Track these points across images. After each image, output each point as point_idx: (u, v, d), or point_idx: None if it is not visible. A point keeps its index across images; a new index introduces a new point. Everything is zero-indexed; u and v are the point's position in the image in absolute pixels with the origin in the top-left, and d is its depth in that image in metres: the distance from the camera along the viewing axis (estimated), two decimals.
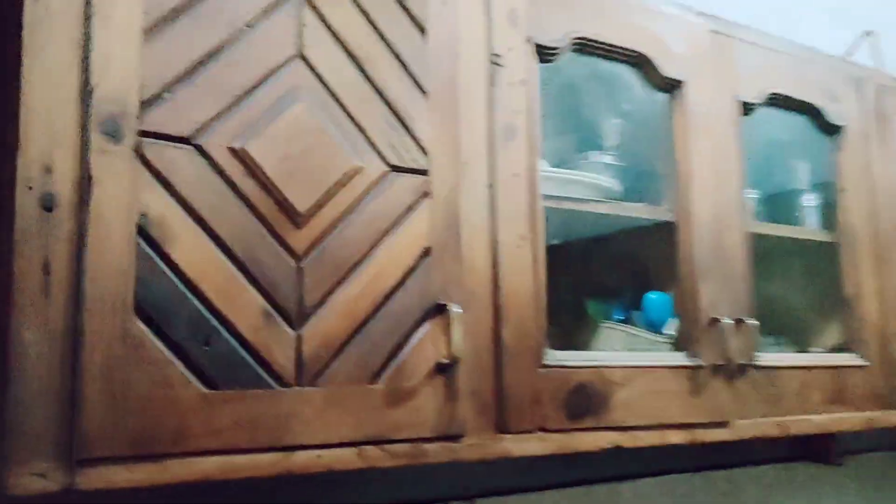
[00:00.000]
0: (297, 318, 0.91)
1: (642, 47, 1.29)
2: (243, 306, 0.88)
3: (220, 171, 0.88)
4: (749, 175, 1.43)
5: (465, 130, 1.08)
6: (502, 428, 1.05)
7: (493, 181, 1.09)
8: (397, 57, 1.03)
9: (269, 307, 0.90)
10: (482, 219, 1.07)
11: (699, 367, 1.27)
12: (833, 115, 1.56)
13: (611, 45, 1.26)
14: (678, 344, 1.30)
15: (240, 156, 0.90)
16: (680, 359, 1.27)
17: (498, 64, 1.12)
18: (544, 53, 1.19)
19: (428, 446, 0.99)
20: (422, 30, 1.05)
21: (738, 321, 1.32)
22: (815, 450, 1.87)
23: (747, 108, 1.43)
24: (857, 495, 1.97)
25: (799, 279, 1.67)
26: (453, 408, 1.00)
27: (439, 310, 1.01)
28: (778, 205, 1.66)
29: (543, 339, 1.11)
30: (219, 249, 0.87)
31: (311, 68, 0.96)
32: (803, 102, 1.53)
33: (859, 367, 1.51)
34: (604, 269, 1.48)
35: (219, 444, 0.84)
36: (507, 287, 1.08)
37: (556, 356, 1.12)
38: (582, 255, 1.46)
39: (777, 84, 1.48)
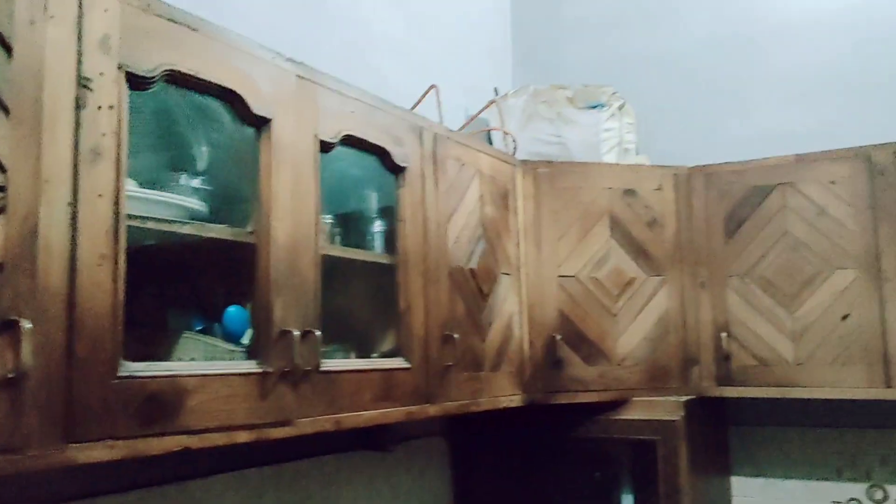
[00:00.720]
0: None
1: (234, 85, 1.42)
2: None
3: None
4: (328, 203, 1.64)
5: (49, 150, 1.10)
6: (70, 438, 1.09)
7: (75, 200, 1.13)
8: None
9: None
10: (62, 237, 1.11)
11: (268, 374, 1.43)
12: (398, 157, 1.85)
13: (204, 80, 1.37)
14: (252, 353, 1.46)
15: None
16: (251, 366, 1.42)
17: (87, 87, 1.16)
18: (137, 81, 1.25)
19: None
20: (7, 49, 1.06)
21: (306, 332, 1.52)
22: (373, 439, 2.17)
23: (326, 146, 1.63)
24: (405, 474, 2.35)
25: (365, 295, 1.94)
26: (18, 421, 1.03)
27: (8, 326, 1.03)
28: (351, 230, 1.91)
29: (120, 351, 1.18)
30: None
31: None
32: (374, 144, 1.79)
33: (405, 368, 1.81)
34: (188, 282, 1.58)
35: None
36: (84, 304, 1.13)
37: (131, 367, 1.19)
38: (166, 268, 1.54)
39: (352, 127, 1.71)
